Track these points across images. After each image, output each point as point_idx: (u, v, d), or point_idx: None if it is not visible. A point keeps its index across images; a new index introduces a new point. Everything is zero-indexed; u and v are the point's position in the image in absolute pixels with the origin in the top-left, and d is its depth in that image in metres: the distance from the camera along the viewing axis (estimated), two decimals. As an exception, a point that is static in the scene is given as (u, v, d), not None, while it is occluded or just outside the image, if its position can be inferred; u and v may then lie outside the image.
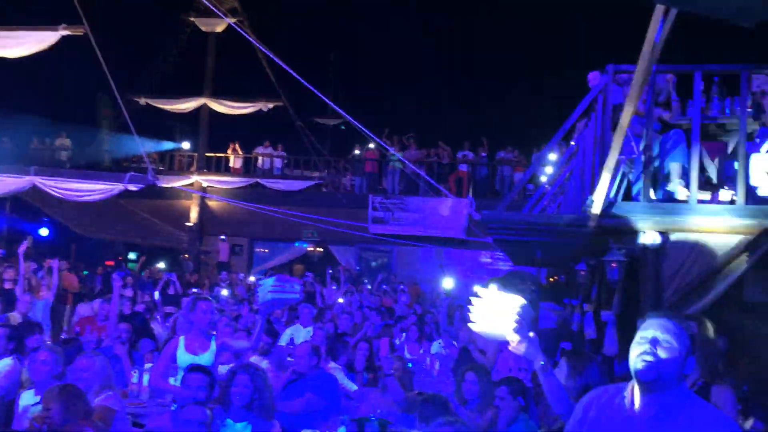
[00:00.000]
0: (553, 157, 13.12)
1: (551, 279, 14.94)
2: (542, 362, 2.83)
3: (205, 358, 4.97)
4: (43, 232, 19.92)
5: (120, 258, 20.81)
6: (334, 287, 15.18)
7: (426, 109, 28.37)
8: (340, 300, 12.04)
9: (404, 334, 9.42)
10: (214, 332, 7.11)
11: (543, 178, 12.08)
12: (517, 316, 2.72)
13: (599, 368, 3.40)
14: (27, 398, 4.34)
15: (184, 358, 5.00)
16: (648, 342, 2.15)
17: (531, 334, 2.77)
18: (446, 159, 19.58)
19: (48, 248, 16.77)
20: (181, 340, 5.17)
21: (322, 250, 21.16)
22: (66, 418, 3.45)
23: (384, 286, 16.39)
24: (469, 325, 3.01)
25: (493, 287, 9.05)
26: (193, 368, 4.34)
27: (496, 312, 2.77)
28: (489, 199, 17.30)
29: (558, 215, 8.25)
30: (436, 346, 8.97)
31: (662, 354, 2.12)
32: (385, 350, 5.06)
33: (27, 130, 20.33)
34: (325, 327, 8.46)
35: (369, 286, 16.09)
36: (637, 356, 2.15)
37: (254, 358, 6.03)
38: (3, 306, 8.31)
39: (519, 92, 26.61)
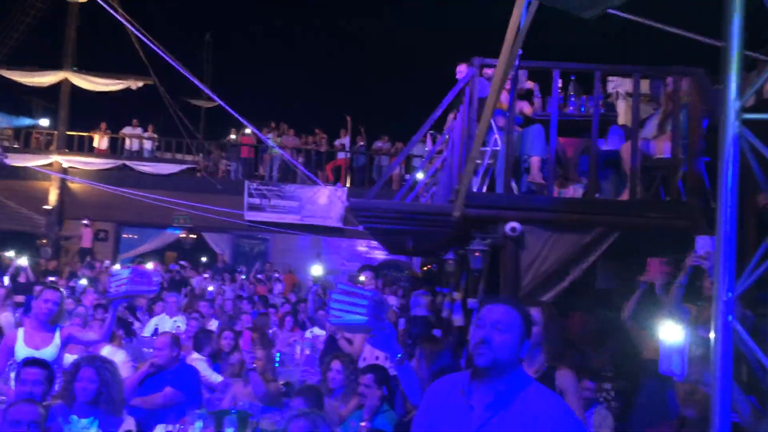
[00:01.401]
0: (426, 147, 13.35)
1: (425, 268, 15.29)
2: (399, 355, 2.81)
3: (48, 353, 4.57)
4: None
5: (-34, 243, 18.98)
6: (206, 275, 14.72)
7: (303, 95, 28.05)
8: (210, 288, 11.68)
9: (277, 323, 9.28)
10: (68, 323, 6.62)
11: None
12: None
13: (452, 354, 3.45)
14: None
15: (23, 352, 4.56)
16: (486, 325, 2.16)
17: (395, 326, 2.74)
18: (323, 147, 19.48)
19: None
20: (20, 332, 4.72)
21: (195, 237, 20.40)
22: None
23: (259, 275, 16.09)
24: (329, 318, 2.95)
25: (363, 277, 9.00)
26: (28, 362, 3.97)
27: (352, 305, 2.70)
28: (368, 189, 17.39)
29: (425, 204, 8.41)
30: (308, 335, 8.90)
31: (498, 337, 2.14)
32: (248, 342, 4.90)
33: None
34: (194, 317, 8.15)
35: (243, 276, 15.72)
36: (473, 345, 2.16)
37: (108, 350, 5.66)
38: None
39: (398, 81, 26.97)
